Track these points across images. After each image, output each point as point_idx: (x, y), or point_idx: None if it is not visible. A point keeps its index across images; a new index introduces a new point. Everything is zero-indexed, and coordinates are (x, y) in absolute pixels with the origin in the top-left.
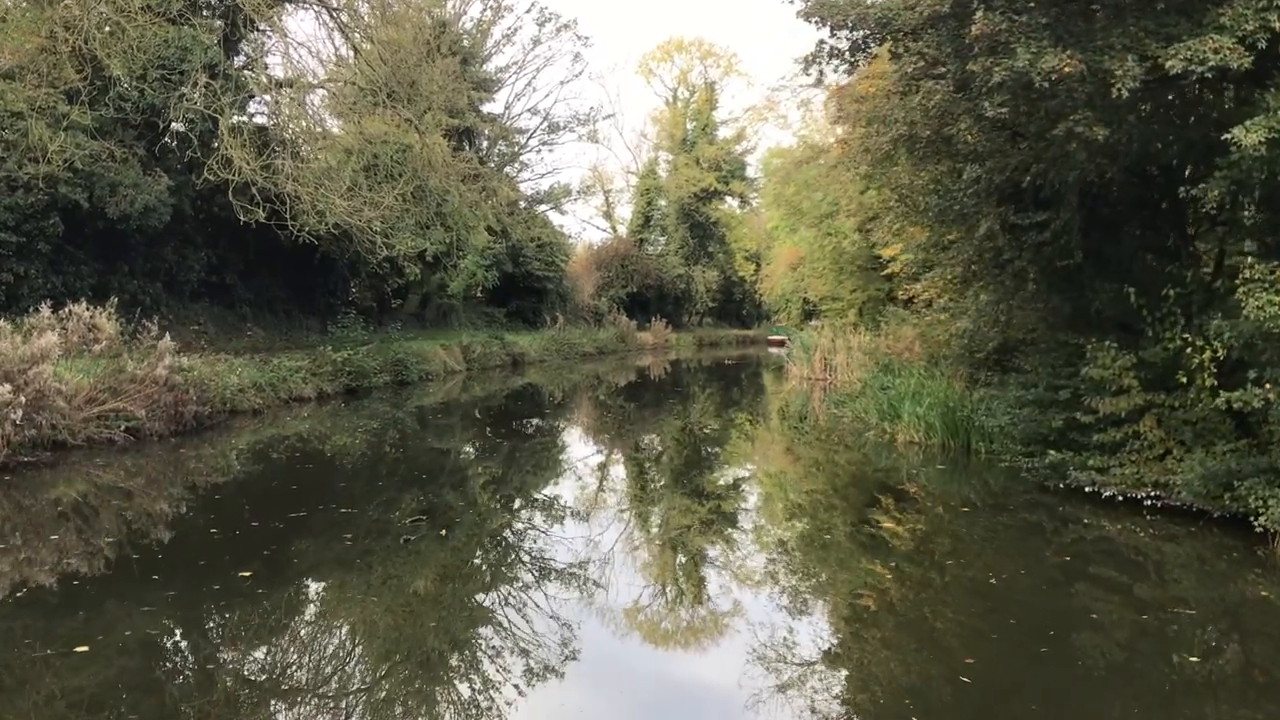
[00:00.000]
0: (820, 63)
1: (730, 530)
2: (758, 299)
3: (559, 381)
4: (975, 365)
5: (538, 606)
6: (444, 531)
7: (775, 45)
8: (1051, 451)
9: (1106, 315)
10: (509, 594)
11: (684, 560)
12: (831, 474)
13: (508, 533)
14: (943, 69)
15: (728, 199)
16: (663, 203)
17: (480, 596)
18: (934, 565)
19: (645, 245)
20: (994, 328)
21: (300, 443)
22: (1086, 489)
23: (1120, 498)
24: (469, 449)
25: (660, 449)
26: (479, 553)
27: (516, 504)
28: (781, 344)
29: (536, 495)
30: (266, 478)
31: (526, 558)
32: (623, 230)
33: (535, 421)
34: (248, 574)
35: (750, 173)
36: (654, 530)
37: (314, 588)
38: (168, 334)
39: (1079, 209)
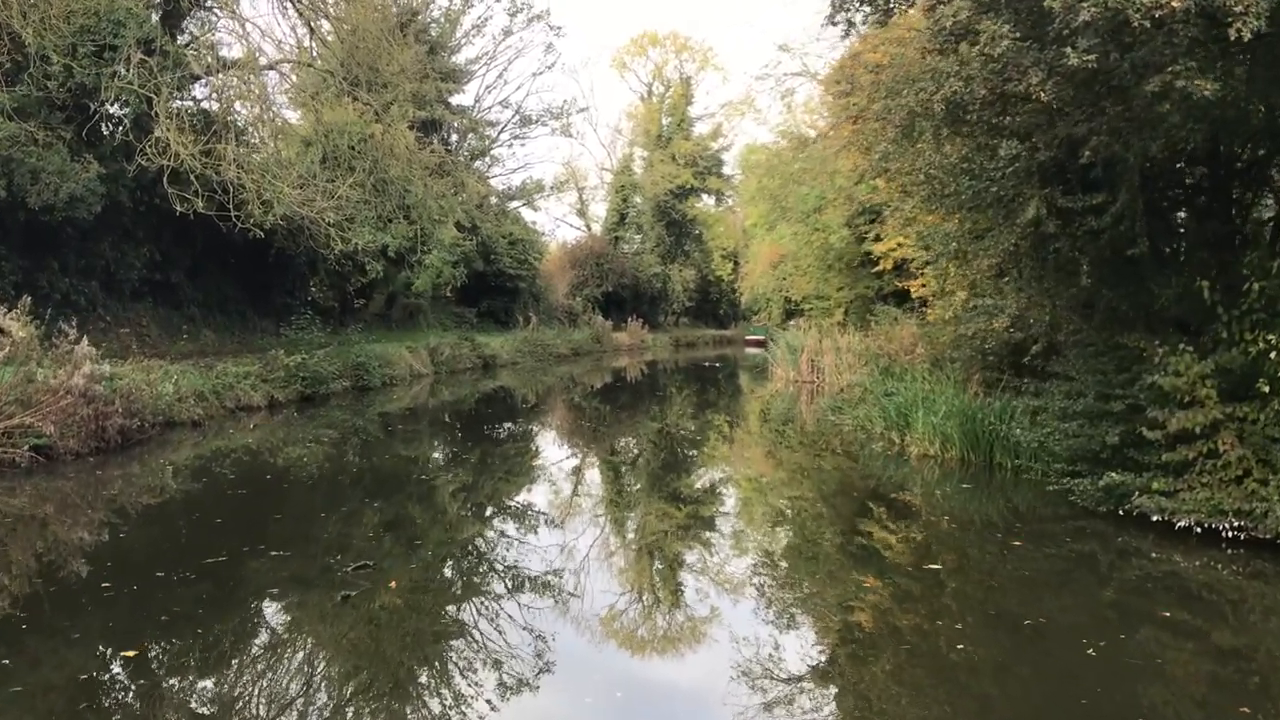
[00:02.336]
0: (850, 9)
1: (739, 559)
2: (735, 298)
3: (532, 384)
4: (989, 369)
5: (508, 691)
6: (393, 584)
7: (752, 38)
8: (1112, 473)
9: (1171, 314)
10: (470, 681)
11: (712, 604)
12: (840, 491)
13: (469, 585)
14: (1005, 13)
15: (704, 196)
16: (638, 200)
17: (429, 686)
18: (968, 601)
19: (620, 243)
20: (1036, 327)
21: (240, 460)
22: (1154, 517)
23: (1198, 528)
24: (431, 465)
25: (648, 464)
26: (432, 617)
27: (481, 543)
28: (760, 344)
29: (507, 530)
30: (190, 507)
31: (492, 623)
32: (597, 228)
33: (507, 426)
34: (131, 654)
35: (727, 170)
36: (669, 578)
37: (208, 684)
38: (85, 338)
39: (1141, 189)
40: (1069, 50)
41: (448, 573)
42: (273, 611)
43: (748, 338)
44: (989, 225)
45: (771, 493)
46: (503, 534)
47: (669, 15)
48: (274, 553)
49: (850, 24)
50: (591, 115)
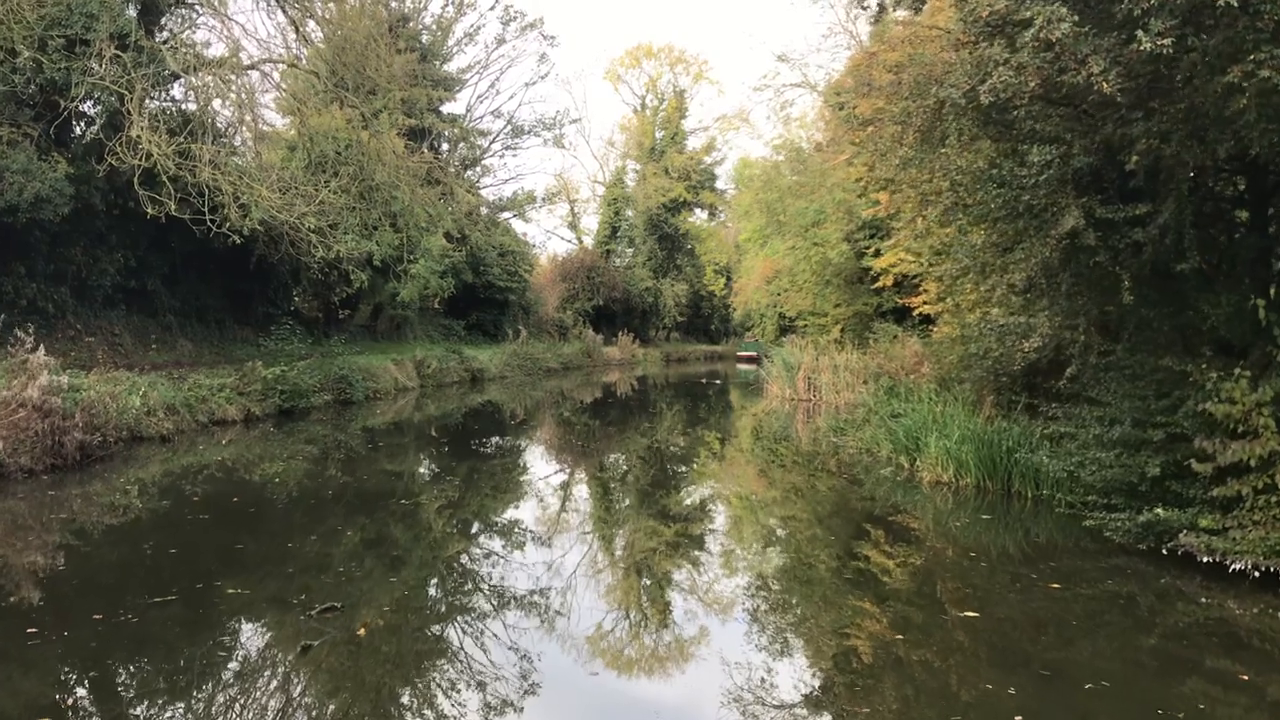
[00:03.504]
0: None
1: (743, 588)
2: (727, 314)
3: (521, 399)
4: (1002, 390)
5: None
6: (362, 630)
7: (750, 51)
8: (1159, 509)
9: (1215, 335)
10: None
11: (712, 630)
12: (847, 520)
13: (447, 633)
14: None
15: (697, 211)
16: (630, 213)
17: None
18: (992, 643)
19: (612, 257)
20: (1071, 347)
21: (209, 478)
22: (1202, 558)
23: (1255, 571)
24: (412, 486)
25: (642, 489)
26: (402, 672)
27: (462, 580)
28: (752, 360)
29: (490, 567)
30: (145, 533)
31: (472, 682)
32: (588, 241)
33: (494, 442)
34: None
35: (720, 184)
36: (676, 613)
37: None
38: (43, 347)
39: (1189, 198)
40: (1140, 34)
41: (424, 616)
42: (217, 668)
43: (739, 354)
44: (1018, 237)
45: (775, 519)
46: (486, 571)
47: (664, 27)
48: (231, 590)
49: (882, 6)
50: (584, 127)
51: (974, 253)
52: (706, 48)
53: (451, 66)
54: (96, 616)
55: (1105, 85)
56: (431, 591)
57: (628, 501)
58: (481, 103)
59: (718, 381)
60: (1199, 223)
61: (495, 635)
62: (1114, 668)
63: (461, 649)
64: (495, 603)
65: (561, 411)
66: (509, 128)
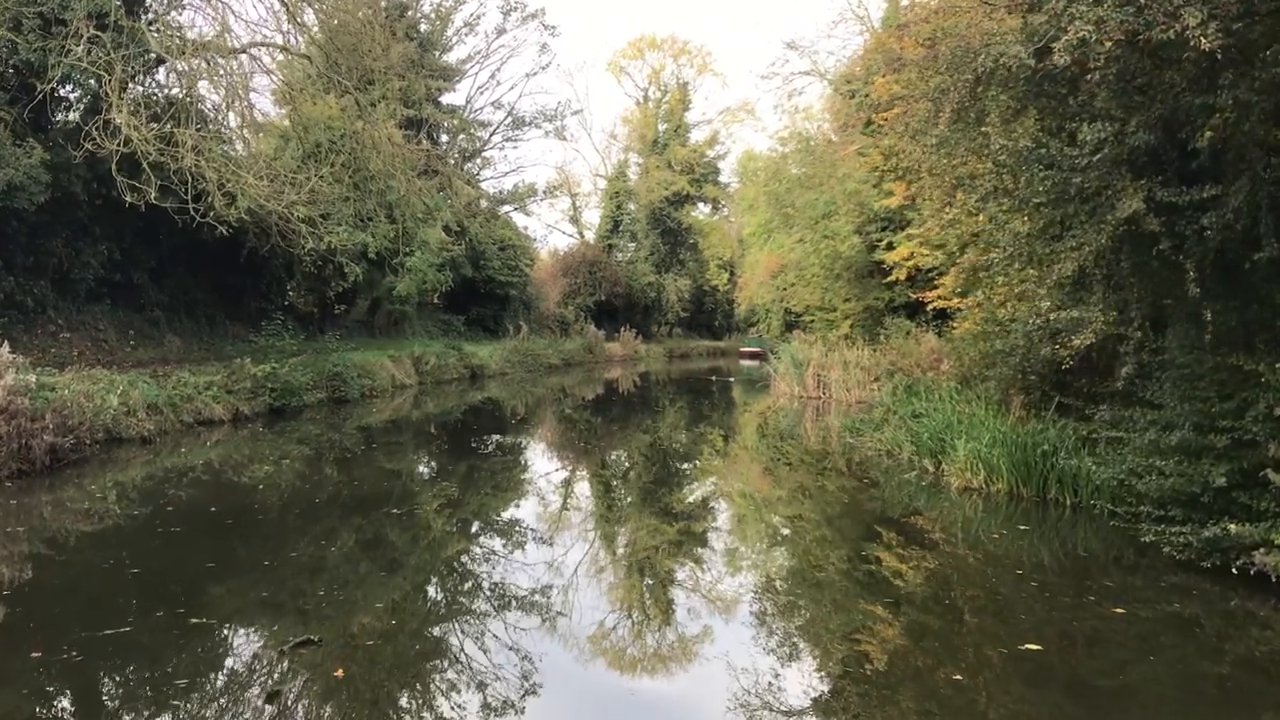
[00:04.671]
0: None
1: (773, 606)
2: (730, 309)
3: (522, 396)
4: (1031, 389)
5: None
6: (339, 672)
7: (755, 42)
8: (1229, 524)
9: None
10: None
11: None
12: (874, 532)
13: (434, 676)
14: None
15: (700, 205)
16: (633, 207)
17: None
18: (1039, 667)
19: (614, 251)
20: (1131, 344)
21: (188, 483)
22: (1277, 578)
23: None
24: (407, 492)
25: (660, 509)
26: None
27: (455, 608)
28: (756, 356)
29: (487, 595)
30: (109, 549)
31: None
32: (590, 235)
33: (495, 440)
34: None
35: (724, 178)
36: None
37: None
38: (6, 343)
39: (1265, 180)
40: None
41: (414, 652)
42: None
43: (743, 350)
44: (1066, 223)
45: (791, 524)
46: (483, 599)
47: (668, 18)
48: (194, 620)
49: None
50: (586, 119)
51: (1018, 241)
52: (710, 39)
53: (451, 57)
54: (35, 654)
55: (1204, 41)
56: (424, 623)
57: (662, 508)
58: (481, 94)
59: (722, 378)
60: (1276, 206)
61: (496, 660)
62: (1174, 694)
63: (456, 697)
64: (489, 647)
65: (564, 409)
66: (509, 119)
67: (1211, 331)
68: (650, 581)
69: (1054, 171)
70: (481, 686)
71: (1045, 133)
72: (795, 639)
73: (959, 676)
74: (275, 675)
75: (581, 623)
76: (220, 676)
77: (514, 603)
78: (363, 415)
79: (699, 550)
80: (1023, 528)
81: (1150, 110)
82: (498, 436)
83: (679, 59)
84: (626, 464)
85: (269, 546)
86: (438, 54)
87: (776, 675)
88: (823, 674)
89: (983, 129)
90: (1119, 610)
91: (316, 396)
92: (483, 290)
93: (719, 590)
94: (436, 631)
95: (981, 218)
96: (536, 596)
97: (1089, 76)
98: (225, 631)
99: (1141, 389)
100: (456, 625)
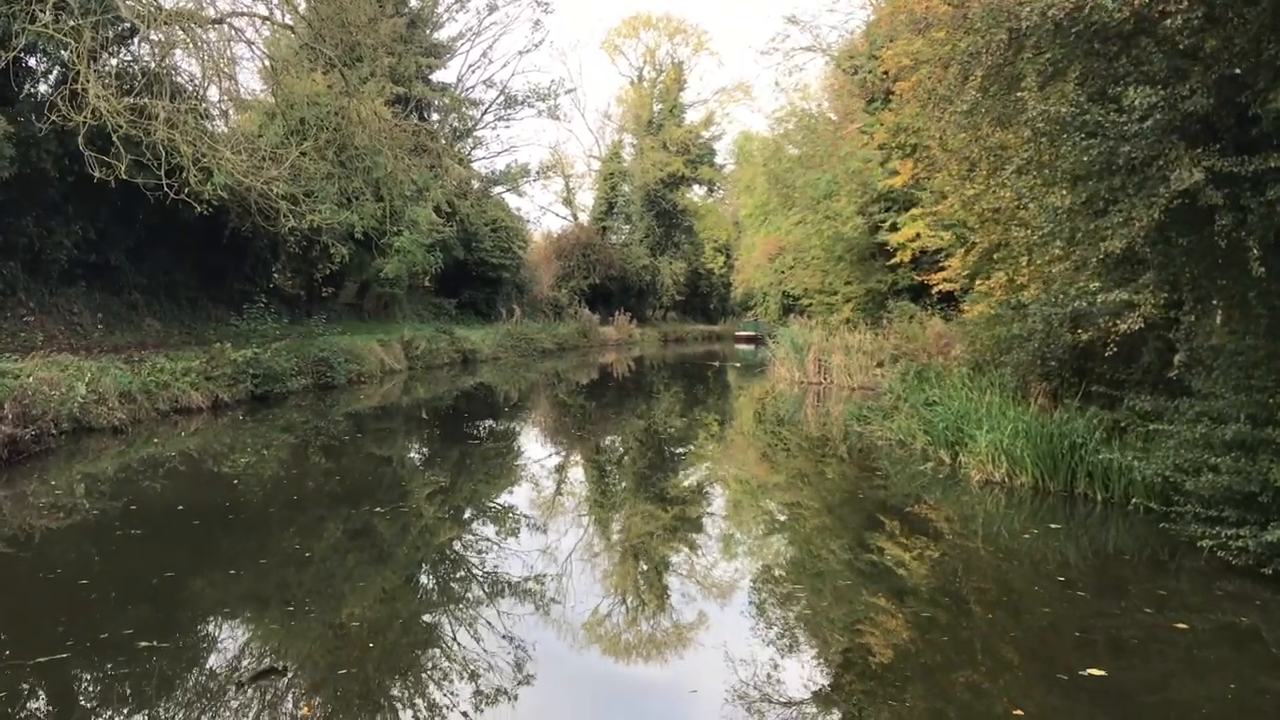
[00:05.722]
0: None
1: (796, 616)
2: (726, 293)
3: (515, 381)
4: (1051, 376)
5: None
6: (305, 710)
7: (753, 20)
8: None
9: None
10: None
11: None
12: (895, 531)
13: (435, 659)
14: None
15: (695, 186)
16: (627, 188)
17: None
18: (1080, 678)
19: (608, 234)
20: (1182, 328)
21: (155, 478)
22: None
23: None
24: (394, 488)
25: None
26: None
27: (442, 629)
28: (752, 340)
29: (478, 612)
30: (56, 554)
31: None
32: (584, 218)
33: (488, 425)
34: None
35: (719, 160)
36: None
37: None
38: None
39: None
40: None
41: (391, 680)
42: None
43: (738, 334)
44: (1111, 197)
45: (807, 520)
46: (477, 588)
47: None
48: (143, 643)
49: None
50: (579, 99)
51: (1057, 217)
52: (706, 18)
53: (442, 34)
54: None
55: None
56: (403, 639)
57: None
58: (473, 72)
59: (719, 363)
60: None
61: (491, 649)
62: (1231, 714)
63: (455, 697)
64: (490, 619)
65: (558, 394)
66: (502, 98)
67: (1269, 315)
68: (684, 581)
69: (1098, 140)
70: (476, 676)
71: (1087, 98)
72: (822, 636)
73: (1007, 698)
74: (235, 707)
75: (578, 610)
76: (170, 711)
77: (508, 590)
78: (350, 402)
79: (715, 540)
80: (1053, 526)
81: (1209, 72)
82: (490, 422)
83: (674, 38)
84: (656, 451)
85: (237, 551)
86: (428, 30)
87: (776, 666)
88: (840, 671)
89: (1018, 93)
90: (1171, 620)
91: (301, 382)
92: (475, 273)
93: (743, 584)
94: (429, 625)
95: (1007, 193)
96: (531, 584)
97: (1157, 26)
98: (177, 656)
99: (1185, 377)
100: (450, 620)
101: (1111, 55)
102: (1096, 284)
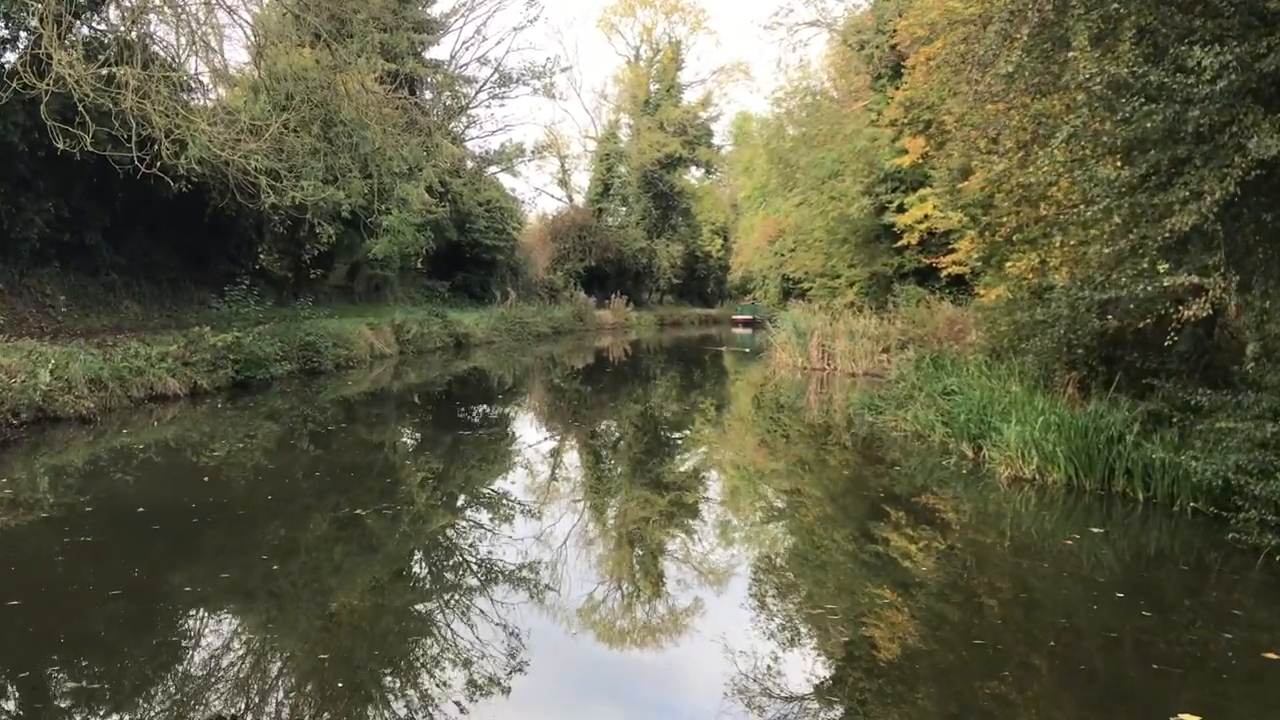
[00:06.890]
0: None
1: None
2: (723, 276)
3: (509, 366)
4: (1077, 364)
5: None
6: (299, 698)
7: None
8: None
9: None
10: None
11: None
12: (916, 535)
13: (429, 647)
14: None
15: (693, 168)
16: (624, 170)
17: None
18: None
19: (604, 216)
20: (1257, 315)
21: (118, 474)
22: None
23: None
24: (380, 486)
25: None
26: None
27: (440, 617)
28: (749, 324)
29: (470, 628)
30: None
31: None
32: (580, 199)
33: (481, 411)
34: None
35: (717, 141)
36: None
37: None
38: None
39: None
40: None
41: (384, 669)
42: None
43: (735, 317)
44: (1175, 169)
45: (818, 515)
46: (473, 579)
47: None
48: (72, 684)
49: None
50: (575, 78)
51: (1113, 191)
52: None
53: (434, 10)
54: None
55: None
56: (399, 639)
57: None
58: (467, 49)
59: (717, 348)
60: None
61: (485, 638)
62: None
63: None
64: (485, 609)
65: (553, 379)
66: (496, 75)
67: None
68: (720, 583)
69: (1162, 104)
70: (470, 664)
71: (1145, 60)
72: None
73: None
74: None
75: (573, 598)
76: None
77: (502, 578)
78: (337, 388)
79: (735, 537)
80: (1096, 530)
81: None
82: (484, 408)
83: (671, 16)
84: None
85: (196, 563)
86: (420, 6)
87: (775, 660)
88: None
89: (1068, 54)
90: (1253, 641)
91: (286, 368)
92: (468, 255)
93: (759, 589)
94: (423, 615)
95: (1045, 167)
96: (526, 573)
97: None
98: (112, 703)
99: (1241, 371)
100: (444, 608)
101: (1182, 5)
102: (1164, 265)
